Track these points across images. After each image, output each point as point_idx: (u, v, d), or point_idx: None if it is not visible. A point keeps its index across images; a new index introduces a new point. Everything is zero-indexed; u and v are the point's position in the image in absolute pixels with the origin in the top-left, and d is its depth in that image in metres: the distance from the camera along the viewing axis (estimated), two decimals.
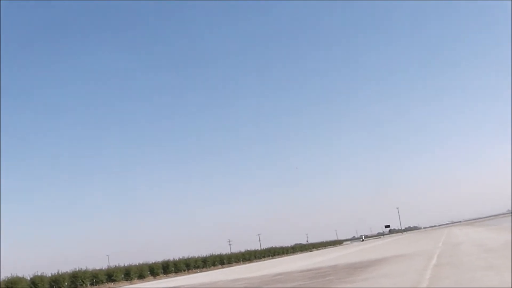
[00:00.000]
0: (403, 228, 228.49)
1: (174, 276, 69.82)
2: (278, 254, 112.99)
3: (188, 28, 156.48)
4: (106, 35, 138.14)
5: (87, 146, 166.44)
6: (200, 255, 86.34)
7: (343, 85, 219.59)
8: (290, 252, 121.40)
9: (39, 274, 55.37)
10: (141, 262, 72.58)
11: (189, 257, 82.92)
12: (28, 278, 53.84)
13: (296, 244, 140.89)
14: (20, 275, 53.40)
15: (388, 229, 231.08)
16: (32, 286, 53.10)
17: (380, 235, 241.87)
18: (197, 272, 74.60)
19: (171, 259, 78.24)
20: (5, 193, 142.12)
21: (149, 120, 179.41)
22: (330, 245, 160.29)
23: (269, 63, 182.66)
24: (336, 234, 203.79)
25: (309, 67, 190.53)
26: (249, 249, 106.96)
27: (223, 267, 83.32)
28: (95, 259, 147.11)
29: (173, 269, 76.25)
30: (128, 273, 66.99)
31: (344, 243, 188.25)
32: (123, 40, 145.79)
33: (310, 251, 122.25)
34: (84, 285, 58.57)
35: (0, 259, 53.25)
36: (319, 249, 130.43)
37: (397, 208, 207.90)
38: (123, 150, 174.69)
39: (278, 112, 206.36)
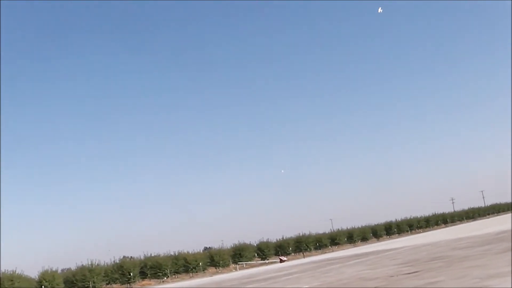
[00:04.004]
0: None
1: (397, 238, 65.12)
2: (503, 211, 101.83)
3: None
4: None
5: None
6: (423, 215, 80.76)
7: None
8: None
9: (264, 240, 54.61)
10: (363, 225, 69.32)
11: (412, 217, 77.89)
12: (255, 245, 53.33)
13: None
14: (247, 242, 53.19)
15: None
16: (259, 252, 52.24)
17: None
18: (420, 233, 68.93)
19: (394, 220, 74.01)
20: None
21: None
22: None
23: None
24: None
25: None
26: (472, 206, 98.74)
27: (446, 226, 76.68)
28: (319, 224, 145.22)
29: (395, 230, 71.83)
30: (351, 236, 64.04)
31: None
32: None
33: None
34: (308, 249, 56.40)
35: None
36: None
37: None
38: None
39: None
